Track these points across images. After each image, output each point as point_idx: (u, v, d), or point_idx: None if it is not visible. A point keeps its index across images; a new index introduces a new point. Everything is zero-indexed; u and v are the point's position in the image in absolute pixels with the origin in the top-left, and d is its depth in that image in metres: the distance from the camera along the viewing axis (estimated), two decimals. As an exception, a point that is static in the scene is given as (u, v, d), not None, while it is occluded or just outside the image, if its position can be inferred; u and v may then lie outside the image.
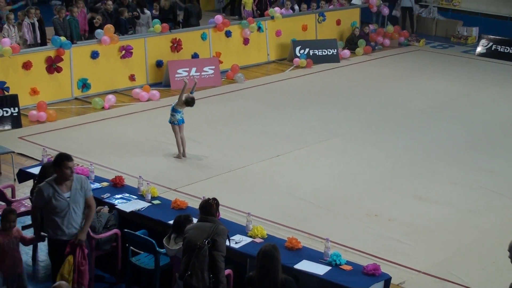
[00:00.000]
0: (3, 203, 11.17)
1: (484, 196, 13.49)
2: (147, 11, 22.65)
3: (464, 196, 13.47)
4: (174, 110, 14.31)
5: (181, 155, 14.61)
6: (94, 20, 21.42)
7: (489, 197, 13.45)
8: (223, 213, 10.93)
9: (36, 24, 20.26)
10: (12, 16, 20.42)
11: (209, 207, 8.67)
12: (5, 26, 20.08)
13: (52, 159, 11.92)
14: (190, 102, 14.27)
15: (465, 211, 12.85)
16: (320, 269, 8.99)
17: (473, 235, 11.89)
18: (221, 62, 21.49)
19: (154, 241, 9.51)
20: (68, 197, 8.71)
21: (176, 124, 14.38)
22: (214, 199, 8.81)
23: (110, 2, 22.11)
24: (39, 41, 20.23)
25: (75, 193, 8.76)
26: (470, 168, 14.82)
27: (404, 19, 28.58)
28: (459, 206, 12.97)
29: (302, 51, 23.35)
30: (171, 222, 9.86)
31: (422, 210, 12.71)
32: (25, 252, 10.72)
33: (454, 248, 11.41)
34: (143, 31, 21.81)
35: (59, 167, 8.66)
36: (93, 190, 10.75)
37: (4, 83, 17.33)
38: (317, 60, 23.35)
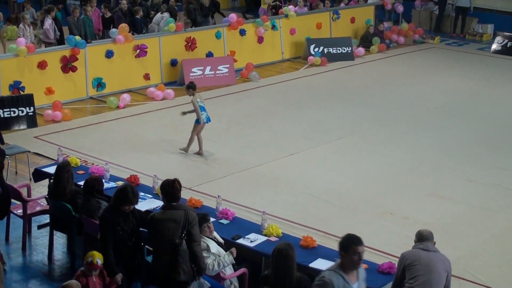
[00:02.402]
0: (19, 202, 11.22)
1: (500, 194, 13.43)
2: (166, 14, 22.68)
3: (479, 194, 13.42)
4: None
5: (187, 149, 14.67)
6: (103, 12, 21.63)
7: (505, 195, 13.39)
8: (239, 212, 10.95)
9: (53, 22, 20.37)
10: (27, 16, 20.51)
11: (175, 191, 8.52)
12: (21, 25, 20.18)
13: (67, 158, 12.04)
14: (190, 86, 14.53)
15: (480, 209, 12.80)
16: (335, 268, 8.98)
17: (489, 233, 11.85)
18: (236, 61, 21.51)
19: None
20: None
21: (205, 122, 14.47)
22: (177, 180, 8.65)
23: (124, 2, 22.22)
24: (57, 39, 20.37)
25: (362, 285, 7.37)
26: (486, 165, 14.77)
27: (456, 19, 28.42)
28: (475, 204, 12.92)
29: (316, 49, 23.33)
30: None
31: (437, 208, 12.68)
32: (41, 252, 10.78)
33: (469, 246, 11.37)
34: (155, 30, 21.89)
35: (346, 252, 7.12)
36: (108, 189, 10.84)
37: (20, 82, 17.40)
38: (332, 58, 23.33)
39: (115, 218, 8.60)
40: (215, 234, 9.28)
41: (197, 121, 14.43)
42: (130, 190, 8.73)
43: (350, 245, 7.12)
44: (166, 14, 22.67)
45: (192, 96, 14.35)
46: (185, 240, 8.36)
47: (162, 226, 8.38)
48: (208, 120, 14.55)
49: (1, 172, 10.37)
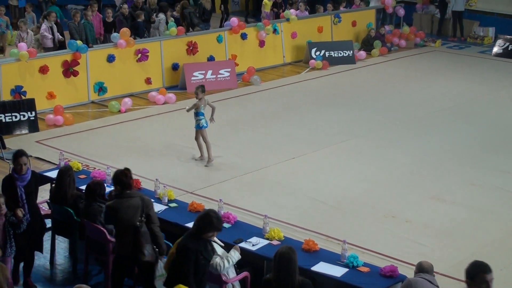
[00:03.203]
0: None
1: (501, 197, 13.41)
2: (161, 15, 22.70)
3: (481, 197, 13.40)
4: (198, 114, 14.32)
5: (210, 156, 14.57)
6: (106, 18, 21.67)
7: (506, 198, 13.37)
8: (240, 216, 10.95)
9: (54, 27, 20.37)
10: (21, 24, 20.42)
11: (128, 180, 9.05)
12: (18, 32, 20.19)
13: (69, 162, 12.04)
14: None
15: (482, 212, 12.79)
16: (337, 271, 8.99)
17: (490, 236, 11.84)
18: (237, 65, 21.51)
19: (171, 244, 9.51)
20: None
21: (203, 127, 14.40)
22: (127, 169, 9.16)
23: (125, 6, 22.24)
24: (57, 44, 20.35)
25: None
26: (487, 169, 14.75)
27: (455, 23, 28.36)
28: (477, 207, 12.91)
29: (317, 53, 23.33)
30: (188, 224, 9.91)
31: (439, 211, 12.66)
32: (43, 256, 10.77)
33: (471, 249, 11.35)
34: (156, 35, 21.91)
35: (472, 280, 6.88)
36: (110, 193, 10.85)
37: (21, 87, 17.42)
38: (333, 61, 23.32)
39: (198, 247, 8.13)
40: (215, 238, 9.28)
41: (200, 126, 14.32)
42: (214, 216, 8.24)
43: (478, 273, 6.88)
44: (161, 16, 22.68)
45: (198, 100, 14.24)
46: (145, 223, 8.94)
47: (122, 213, 8.89)
48: (206, 125, 14.46)
49: (34, 198, 10.09)
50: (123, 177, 9.03)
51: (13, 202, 9.58)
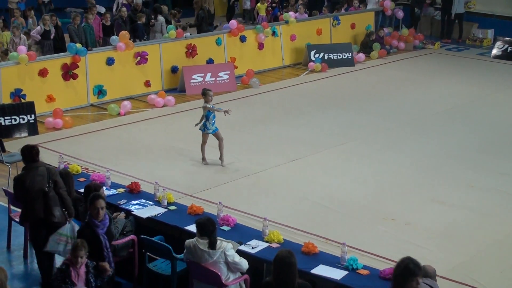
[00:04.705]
0: (20, 210, 11.20)
1: (501, 199, 13.41)
2: (160, 17, 22.69)
3: (481, 199, 13.40)
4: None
5: (222, 158, 14.66)
6: (103, 21, 21.65)
7: (506, 200, 13.37)
8: (240, 219, 10.94)
9: (53, 31, 20.34)
10: (14, 29, 20.37)
11: (34, 155, 9.85)
12: (11, 37, 20.16)
13: (68, 166, 12.03)
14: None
15: (482, 214, 12.79)
16: (337, 274, 8.98)
17: (490, 239, 11.83)
18: (236, 67, 21.52)
19: (170, 247, 9.53)
20: None
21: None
22: (35, 146, 10.02)
23: (124, 9, 22.25)
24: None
25: None
26: (487, 171, 14.75)
27: (459, 25, 28.27)
28: (476, 210, 12.90)
29: (317, 55, 23.34)
30: (187, 227, 9.94)
31: (439, 214, 12.66)
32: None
33: (471, 251, 11.35)
34: (156, 38, 21.90)
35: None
36: (109, 196, 10.88)
37: (21, 90, 17.42)
38: (332, 64, 23.33)
39: None
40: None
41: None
42: (409, 261, 7.38)
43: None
44: (160, 18, 22.64)
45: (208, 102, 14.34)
46: (52, 188, 9.78)
47: (29, 182, 9.69)
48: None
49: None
50: (27, 152, 9.89)
51: (96, 255, 8.75)
